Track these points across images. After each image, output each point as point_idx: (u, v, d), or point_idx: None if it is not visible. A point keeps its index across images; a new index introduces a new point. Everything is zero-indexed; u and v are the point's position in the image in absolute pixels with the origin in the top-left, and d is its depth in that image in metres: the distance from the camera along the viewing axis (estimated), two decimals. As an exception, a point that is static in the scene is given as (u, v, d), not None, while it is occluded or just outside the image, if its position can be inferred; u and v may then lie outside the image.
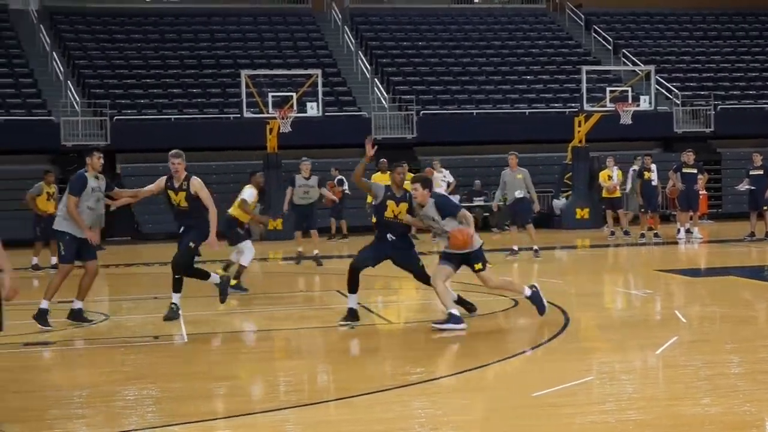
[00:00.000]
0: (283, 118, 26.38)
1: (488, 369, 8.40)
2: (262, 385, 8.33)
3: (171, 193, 11.70)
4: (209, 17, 37.01)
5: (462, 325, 10.27)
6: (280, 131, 26.61)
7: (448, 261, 10.71)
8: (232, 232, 14.58)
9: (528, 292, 10.97)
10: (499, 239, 23.76)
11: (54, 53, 32.72)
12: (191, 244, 11.62)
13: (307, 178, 18.57)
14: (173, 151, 11.68)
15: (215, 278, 12.27)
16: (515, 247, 18.95)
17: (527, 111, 32.68)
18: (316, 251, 18.59)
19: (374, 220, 11.16)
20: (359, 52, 34.93)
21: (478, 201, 29.38)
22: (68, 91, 30.36)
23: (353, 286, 10.95)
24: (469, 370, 8.32)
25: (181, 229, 11.77)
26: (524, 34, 38.22)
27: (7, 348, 9.70)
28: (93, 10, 36.42)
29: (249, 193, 14.73)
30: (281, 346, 10.33)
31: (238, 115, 28.07)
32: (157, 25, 36.21)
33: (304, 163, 18.70)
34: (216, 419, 6.84)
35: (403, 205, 10.95)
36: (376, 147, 10.92)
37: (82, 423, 6.90)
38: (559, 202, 28.85)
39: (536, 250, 18.70)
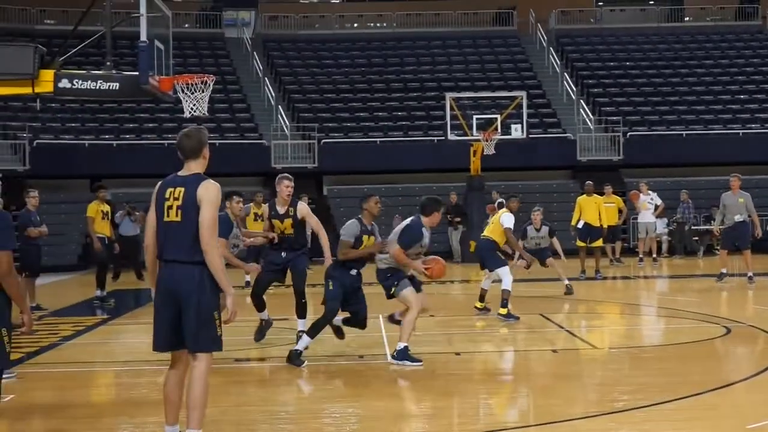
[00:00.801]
0: (487, 140, 26.33)
1: (701, 398, 8.02)
2: (463, 407, 8.25)
3: (276, 221, 10.91)
4: (414, 41, 37.48)
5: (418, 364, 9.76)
6: (484, 153, 26.56)
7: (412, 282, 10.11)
8: (491, 254, 14.27)
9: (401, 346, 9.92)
10: (708, 264, 22.81)
11: (266, 79, 33.94)
12: (308, 269, 11.34)
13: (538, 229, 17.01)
14: (285, 175, 11.02)
15: (264, 314, 11.50)
16: (724, 270, 18.13)
17: (741, 132, 31.37)
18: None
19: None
20: (564, 73, 34.52)
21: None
22: (279, 116, 31.38)
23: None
24: (681, 398, 7.97)
25: (284, 255, 10.99)
26: (738, 52, 36.77)
27: (219, 363, 10.02)
28: (303, 36, 37.61)
29: (508, 218, 14.45)
30: (482, 369, 10.23)
31: (442, 138, 28.21)
32: (363, 50, 36.98)
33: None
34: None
35: (371, 239, 10.14)
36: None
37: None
38: (775, 227, 27.50)
39: (751, 277, 17.86)
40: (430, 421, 7.64)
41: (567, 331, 12.43)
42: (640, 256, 24.28)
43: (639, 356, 10.61)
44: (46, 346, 11.85)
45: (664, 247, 27.26)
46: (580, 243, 20.47)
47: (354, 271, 10.16)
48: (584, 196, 20.80)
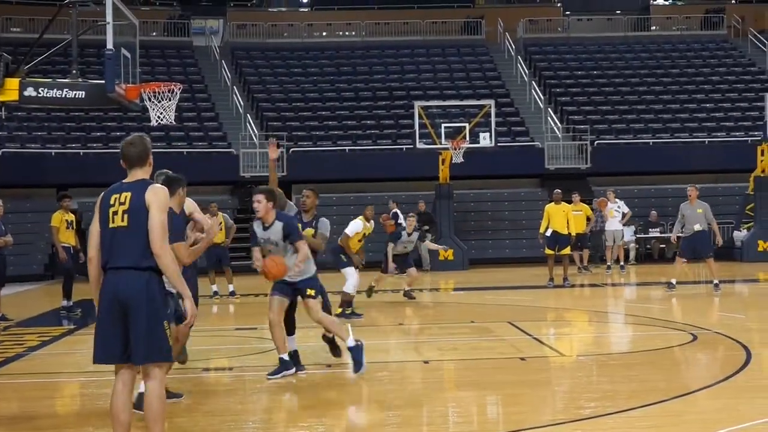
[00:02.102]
0: (455, 149, 26.42)
1: (666, 405, 8.08)
2: (432, 416, 8.26)
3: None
4: (383, 50, 37.56)
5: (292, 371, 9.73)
6: (453, 162, 26.65)
7: (279, 291, 9.81)
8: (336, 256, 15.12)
9: (352, 343, 9.71)
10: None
11: (235, 87, 33.87)
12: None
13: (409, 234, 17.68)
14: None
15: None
16: (673, 281, 18.26)
17: (707, 140, 31.67)
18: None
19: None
20: (533, 81, 34.71)
21: (654, 232, 28.62)
22: (247, 124, 31.30)
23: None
24: (647, 405, 8.02)
25: None
26: (704, 61, 37.14)
27: (187, 372, 9.98)
28: (272, 45, 37.58)
29: (352, 225, 15.22)
30: (450, 377, 10.24)
31: (411, 146, 28.27)
32: (332, 59, 37.00)
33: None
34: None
35: (309, 231, 10.61)
36: (281, 148, 10.30)
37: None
38: (740, 234, 27.76)
39: (716, 284, 18.00)
40: (399, 429, 7.64)
41: (535, 338, 12.47)
42: (608, 263, 24.43)
43: (606, 363, 10.67)
44: (12, 357, 11.74)
45: (632, 254, 27.45)
46: (548, 251, 20.58)
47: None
48: (552, 204, 20.90)
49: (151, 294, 6.13)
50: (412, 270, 17.54)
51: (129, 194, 6.21)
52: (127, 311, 6.09)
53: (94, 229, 6.33)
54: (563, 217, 20.47)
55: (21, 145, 29.58)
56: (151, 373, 6.17)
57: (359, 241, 15.34)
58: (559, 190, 21.19)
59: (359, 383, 9.53)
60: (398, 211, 26.24)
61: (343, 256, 15.08)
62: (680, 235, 18.67)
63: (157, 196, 6.19)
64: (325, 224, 10.84)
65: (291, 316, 10.17)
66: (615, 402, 8.28)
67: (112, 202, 6.23)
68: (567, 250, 20.71)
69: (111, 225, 6.19)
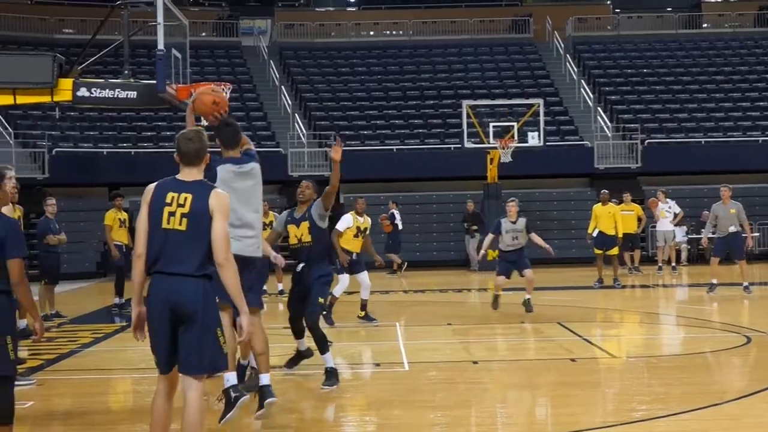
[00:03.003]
0: (503, 148, 26.31)
1: (721, 408, 7.97)
2: (481, 417, 8.22)
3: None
4: (431, 49, 37.49)
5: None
6: (501, 161, 26.54)
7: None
8: None
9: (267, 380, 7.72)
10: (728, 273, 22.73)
11: (283, 87, 34.00)
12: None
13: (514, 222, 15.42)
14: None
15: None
16: (714, 281, 17.98)
17: (761, 139, 31.22)
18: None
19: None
20: (581, 80, 34.45)
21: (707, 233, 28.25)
22: (295, 123, 31.42)
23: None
24: (700, 408, 7.92)
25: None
26: (757, 58, 36.59)
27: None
28: (319, 45, 37.67)
29: (343, 220, 14.38)
30: (499, 377, 10.19)
31: (459, 146, 28.19)
32: (380, 58, 37.00)
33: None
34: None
35: (304, 225, 9.40)
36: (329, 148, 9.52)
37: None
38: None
39: (747, 287, 17.75)
40: (447, 429, 7.62)
41: (585, 339, 12.38)
42: (659, 264, 24.17)
43: (657, 365, 10.56)
44: (66, 353, 11.88)
45: (683, 255, 27.14)
46: (596, 251, 20.42)
47: (300, 266, 9.39)
48: (599, 204, 20.74)
49: (207, 302, 5.85)
50: (528, 272, 15.24)
51: (190, 196, 5.86)
52: (180, 319, 5.81)
53: (142, 226, 5.94)
54: (610, 218, 20.28)
55: (74, 145, 29.94)
56: (193, 383, 5.87)
57: (355, 236, 14.26)
58: (606, 191, 21.00)
59: (408, 382, 9.51)
60: (395, 212, 26.17)
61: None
62: (711, 236, 18.50)
63: (221, 203, 5.88)
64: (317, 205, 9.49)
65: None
66: (667, 405, 8.19)
67: (168, 200, 5.87)
68: (615, 251, 20.50)
69: (165, 225, 5.85)
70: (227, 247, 5.83)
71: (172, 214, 5.84)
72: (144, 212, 5.94)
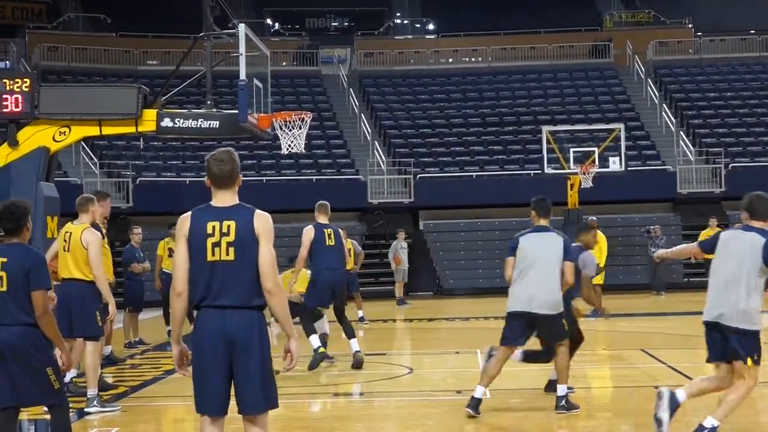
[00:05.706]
0: (584, 173, 26.08)
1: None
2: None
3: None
4: (510, 75, 37.42)
5: None
6: (582, 186, 26.31)
7: None
8: None
9: None
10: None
11: (362, 115, 34.23)
12: None
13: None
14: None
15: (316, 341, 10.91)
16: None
17: None
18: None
19: None
20: (663, 104, 34.04)
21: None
22: (375, 151, 31.58)
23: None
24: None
25: None
26: (844, 79, 35.81)
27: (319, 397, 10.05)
28: (399, 72, 37.87)
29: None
30: (582, 405, 10.04)
31: (539, 171, 28.03)
32: (458, 84, 37.04)
33: None
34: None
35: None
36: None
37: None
38: None
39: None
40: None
41: (669, 366, 12.15)
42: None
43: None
44: (149, 380, 12.05)
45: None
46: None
47: None
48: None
49: (262, 335, 5.49)
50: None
51: (233, 223, 5.43)
52: (236, 355, 5.42)
53: (181, 260, 5.50)
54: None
55: (157, 174, 30.50)
56: (258, 422, 5.50)
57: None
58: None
59: (492, 410, 9.42)
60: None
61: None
62: None
63: (266, 226, 5.48)
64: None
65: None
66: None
67: (209, 230, 5.43)
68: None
69: (210, 258, 5.42)
70: (275, 273, 5.47)
71: (216, 244, 5.42)
72: (182, 246, 5.51)
